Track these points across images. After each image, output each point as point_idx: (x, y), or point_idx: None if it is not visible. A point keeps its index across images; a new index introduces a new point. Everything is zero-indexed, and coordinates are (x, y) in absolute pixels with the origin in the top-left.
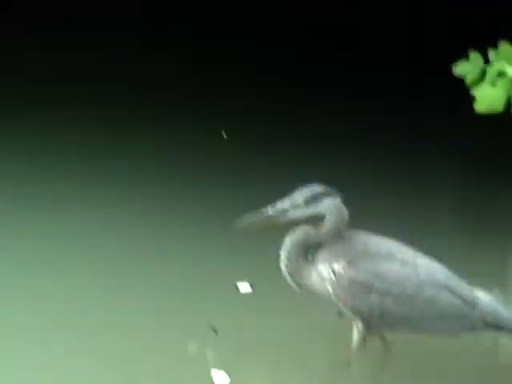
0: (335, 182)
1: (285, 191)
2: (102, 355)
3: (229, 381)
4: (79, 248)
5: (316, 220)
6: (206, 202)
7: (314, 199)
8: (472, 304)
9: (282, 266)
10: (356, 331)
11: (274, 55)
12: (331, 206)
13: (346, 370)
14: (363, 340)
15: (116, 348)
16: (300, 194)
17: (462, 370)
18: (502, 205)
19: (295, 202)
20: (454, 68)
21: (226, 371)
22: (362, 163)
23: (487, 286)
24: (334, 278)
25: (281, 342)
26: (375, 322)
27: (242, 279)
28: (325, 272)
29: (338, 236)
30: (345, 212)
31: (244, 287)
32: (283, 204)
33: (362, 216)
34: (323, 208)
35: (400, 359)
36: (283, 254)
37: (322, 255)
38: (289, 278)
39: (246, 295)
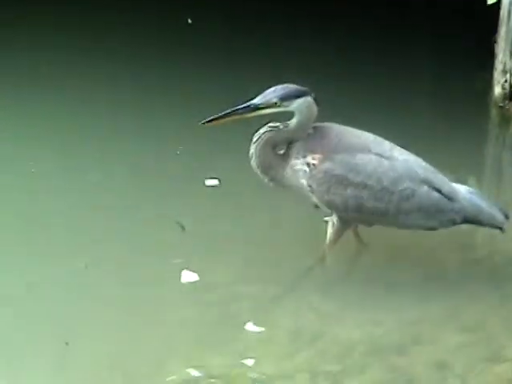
0: (310, 79)
1: (261, 86)
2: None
3: (197, 278)
4: None
5: (285, 115)
6: (179, 96)
7: (286, 98)
8: (451, 198)
9: (253, 162)
10: (330, 225)
11: None
12: (302, 105)
13: (320, 265)
14: (338, 234)
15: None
16: (273, 93)
17: (438, 262)
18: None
19: (268, 101)
20: None
21: (195, 267)
22: (338, 60)
23: (463, 178)
24: (308, 171)
25: (251, 238)
26: (351, 216)
27: (211, 175)
28: (299, 165)
29: (308, 131)
30: (314, 111)
31: (211, 182)
32: (256, 101)
33: (337, 112)
34: (294, 107)
35: (374, 253)
36: (253, 151)
37: (296, 149)
38: (261, 175)
39: (215, 191)
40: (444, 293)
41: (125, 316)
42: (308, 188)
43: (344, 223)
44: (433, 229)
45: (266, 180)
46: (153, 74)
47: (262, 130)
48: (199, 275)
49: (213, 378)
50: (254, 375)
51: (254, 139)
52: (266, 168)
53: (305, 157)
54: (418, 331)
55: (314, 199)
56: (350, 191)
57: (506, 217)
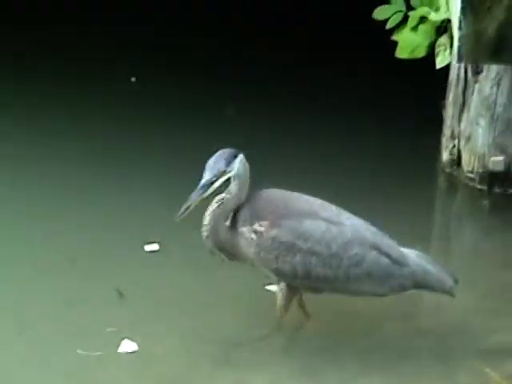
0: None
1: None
2: None
3: (136, 348)
4: None
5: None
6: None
7: (229, 162)
8: (401, 262)
9: (208, 243)
10: (279, 292)
11: None
12: (240, 164)
13: (276, 333)
14: (287, 301)
15: None
16: (218, 163)
17: (381, 331)
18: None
19: (218, 172)
20: (374, 13)
21: (134, 337)
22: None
23: (410, 244)
24: (256, 239)
25: (190, 308)
26: (300, 284)
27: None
28: (247, 234)
29: (253, 196)
30: (248, 167)
31: (151, 247)
32: (208, 178)
33: (282, 177)
34: (235, 169)
35: (317, 322)
36: (205, 227)
37: (242, 216)
38: (218, 253)
39: (154, 256)
40: (387, 364)
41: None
42: (256, 257)
43: (292, 290)
44: (383, 295)
45: (222, 257)
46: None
47: (211, 208)
48: (139, 345)
49: None
50: None
51: (206, 221)
52: (221, 244)
53: (252, 224)
54: None
55: (262, 268)
56: (298, 258)
57: (456, 281)
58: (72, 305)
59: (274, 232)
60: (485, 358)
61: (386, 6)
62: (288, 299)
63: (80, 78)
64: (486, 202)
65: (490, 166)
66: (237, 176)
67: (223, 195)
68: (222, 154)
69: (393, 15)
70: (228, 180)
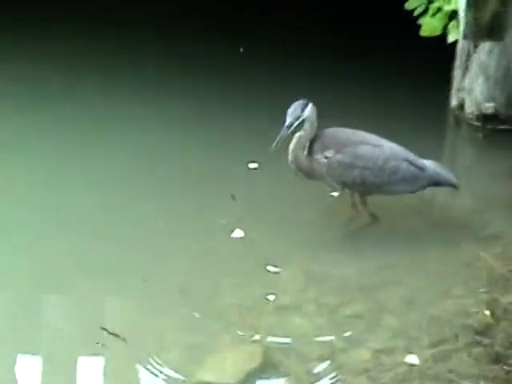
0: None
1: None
2: None
3: (243, 235)
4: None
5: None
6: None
7: (303, 109)
8: (422, 169)
9: (293, 166)
10: (356, 199)
11: None
12: (310, 111)
13: (373, 221)
14: (363, 200)
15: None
16: (296, 111)
17: (403, 224)
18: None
19: (296, 117)
20: (406, 4)
21: (242, 229)
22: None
23: (427, 158)
24: (327, 162)
25: (283, 209)
26: (357, 189)
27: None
28: (321, 159)
29: (320, 133)
30: (315, 112)
31: (253, 165)
32: (290, 121)
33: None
34: (306, 114)
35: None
36: (290, 155)
37: (315, 148)
38: (299, 173)
39: (256, 173)
40: (409, 246)
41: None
42: (327, 174)
43: (358, 193)
44: (412, 192)
45: (302, 175)
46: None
47: (293, 142)
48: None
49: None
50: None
51: (290, 151)
52: (301, 167)
53: (323, 152)
54: (392, 275)
55: (332, 181)
56: (356, 172)
57: (458, 178)
58: (200, 205)
59: (338, 156)
60: (480, 243)
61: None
62: (362, 199)
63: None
64: (480, 134)
65: (484, 110)
66: (308, 119)
67: (301, 133)
68: (298, 104)
69: (418, 6)
70: (302, 122)
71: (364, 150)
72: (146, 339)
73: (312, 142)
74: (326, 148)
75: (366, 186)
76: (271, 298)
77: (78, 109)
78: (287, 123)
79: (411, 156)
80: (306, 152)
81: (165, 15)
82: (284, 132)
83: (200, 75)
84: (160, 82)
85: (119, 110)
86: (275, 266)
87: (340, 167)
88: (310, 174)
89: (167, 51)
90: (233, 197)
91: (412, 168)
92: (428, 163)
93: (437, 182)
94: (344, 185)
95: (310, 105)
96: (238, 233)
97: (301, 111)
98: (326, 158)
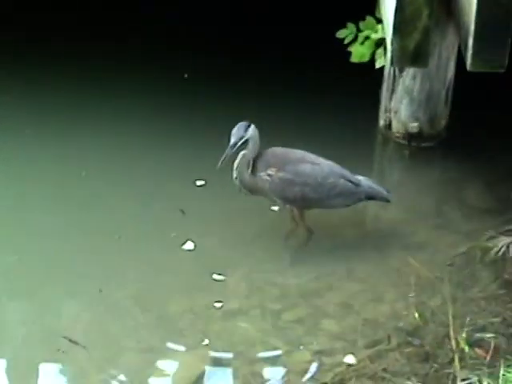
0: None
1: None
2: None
3: (193, 246)
4: None
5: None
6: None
7: (246, 130)
8: (358, 185)
9: (235, 180)
10: (295, 211)
11: None
12: (252, 132)
13: (309, 235)
14: (301, 215)
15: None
16: (239, 131)
17: (340, 235)
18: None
19: (240, 137)
20: (337, 33)
21: (193, 241)
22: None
23: (359, 173)
24: (269, 180)
25: (231, 220)
26: (298, 204)
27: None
28: (264, 176)
29: (263, 152)
30: (257, 133)
31: (200, 182)
32: (234, 141)
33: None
34: (249, 134)
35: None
36: (234, 172)
37: (259, 166)
38: (243, 190)
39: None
40: (344, 255)
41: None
42: (270, 191)
43: (297, 208)
44: (349, 205)
45: (244, 191)
46: None
47: (237, 160)
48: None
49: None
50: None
51: (234, 168)
52: (245, 184)
53: (266, 170)
54: (330, 281)
55: (274, 197)
56: (297, 188)
57: (389, 192)
58: (152, 220)
59: (280, 174)
60: (408, 250)
61: (344, 29)
62: (300, 213)
63: None
64: (406, 151)
65: (409, 129)
66: (251, 138)
67: (244, 151)
68: (241, 125)
69: (349, 34)
70: (246, 141)
71: (304, 167)
72: (103, 345)
73: (255, 160)
74: (268, 166)
75: (306, 201)
76: (218, 305)
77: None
78: (231, 143)
79: (347, 173)
80: (249, 170)
81: (114, 41)
82: (229, 151)
83: (148, 100)
84: (109, 105)
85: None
86: (221, 275)
87: (282, 184)
88: (253, 190)
89: (116, 76)
90: (182, 211)
91: (348, 184)
92: (362, 179)
93: (371, 196)
94: (286, 200)
95: (252, 126)
96: (189, 245)
97: (244, 131)
98: (269, 175)
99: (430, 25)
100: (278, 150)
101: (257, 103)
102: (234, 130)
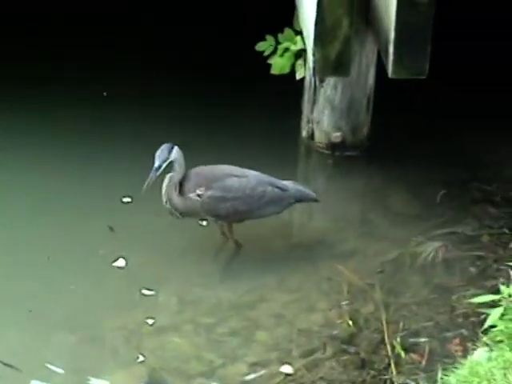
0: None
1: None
2: None
3: (124, 263)
4: None
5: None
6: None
7: (170, 152)
8: (285, 189)
9: (167, 206)
10: (225, 226)
11: None
12: (177, 153)
13: (238, 248)
14: (230, 229)
15: None
16: (163, 153)
17: (269, 247)
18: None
19: (164, 159)
20: (257, 46)
21: (123, 258)
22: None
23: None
24: (200, 200)
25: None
26: (231, 219)
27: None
28: (193, 197)
29: (190, 172)
30: (182, 154)
31: (126, 199)
32: (158, 163)
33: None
34: (173, 156)
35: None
36: (164, 197)
37: (187, 187)
38: (173, 212)
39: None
40: (274, 266)
41: None
42: (202, 210)
43: (228, 222)
44: (280, 212)
45: (176, 215)
46: None
47: (165, 184)
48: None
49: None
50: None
51: (163, 192)
52: (176, 207)
53: (195, 190)
54: (262, 293)
55: (206, 215)
56: (228, 204)
57: (315, 192)
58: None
59: (209, 192)
60: (338, 259)
61: (263, 42)
62: (229, 228)
63: None
64: (330, 161)
65: (332, 139)
66: (176, 160)
67: (171, 174)
68: (164, 147)
69: (268, 47)
70: (171, 163)
71: (231, 182)
72: (35, 366)
73: (182, 182)
74: (196, 186)
75: (238, 214)
76: (150, 321)
77: None
78: (156, 166)
79: (273, 180)
80: (177, 192)
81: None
82: (153, 174)
83: (70, 115)
84: (33, 126)
85: None
86: (152, 291)
87: (213, 202)
88: (184, 212)
89: (36, 96)
90: (111, 228)
91: (276, 190)
92: (288, 183)
93: (299, 199)
94: (219, 217)
95: (176, 147)
96: (121, 262)
97: (168, 153)
98: (198, 195)
99: (351, 34)
100: (203, 169)
101: (179, 122)
102: (158, 153)
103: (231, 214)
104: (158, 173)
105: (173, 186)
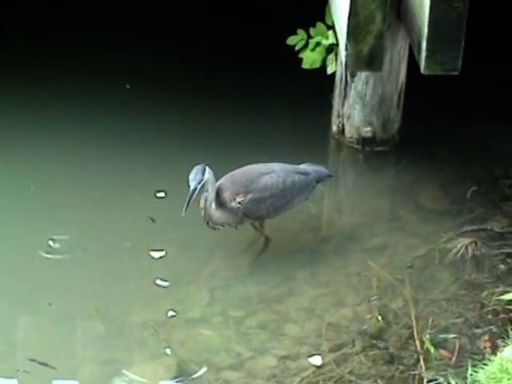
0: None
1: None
2: None
3: (164, 254)
4: None
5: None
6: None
7: (203, 174)
8: (308, 173)
9: (206, 222)
10: (262, 225)
11: None
12: (209, 174)
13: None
14: (264, 227)
15: None
16: (197, 175)
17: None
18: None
19: (199, 181)
20: (288, 40)
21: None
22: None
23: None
24: (242, 206)
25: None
26: (272, 216)
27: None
28: (235, 205)
29: (223, 182)
30: (212, 173)
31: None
32: (194, 185)
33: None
34: (206, 177)
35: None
36: (203, 216)
37: (226, 198)
38: (215, 226)
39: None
40: (304, 261)
41: None
42: (244, 215)
43: (262, 221)
44: (308, 198)
45: (219, 228)
46: None
47: (201, 204)
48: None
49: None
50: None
51: (202, 213)
52: (216, 222)
53: (235, 199)
54: (291, 287)
55: (249, 219)
56: (267, 203)
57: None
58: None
59: (248, 196)
60: (367, 254)
61: (295, 36)
62: (263, 225)
63: None
64: (360, 156)
65: (362, 134)
66: (208, 180)
67: (205, 194)
68: (197, 169)
69: (299, 41)
70: (205, 184)
71: (264, 180)
72: (64, 359)
73: (217, 193)
74: (235, 195)
75: (277, 210)
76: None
77: None
78: (192, 188)
79: (295, 167)
80: (214, 206)
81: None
82: (190, 196)
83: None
84: (68, 116)
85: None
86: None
87: (254, 205)
88: (226, 223)
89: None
90: (152, 219)
91: (302, 176)
92: (305, 166)
93: (319, 179)
94: (260, 218)
95: (207, 168)
96: (155, 254)
97: (202, 175)
98: (240, 203)
99: (384, 29)
100: (235, 175)
101: (206, 114)
102: (192, 175)
103: (271, 211)
104: (195, 194)
105: (209, 205)
